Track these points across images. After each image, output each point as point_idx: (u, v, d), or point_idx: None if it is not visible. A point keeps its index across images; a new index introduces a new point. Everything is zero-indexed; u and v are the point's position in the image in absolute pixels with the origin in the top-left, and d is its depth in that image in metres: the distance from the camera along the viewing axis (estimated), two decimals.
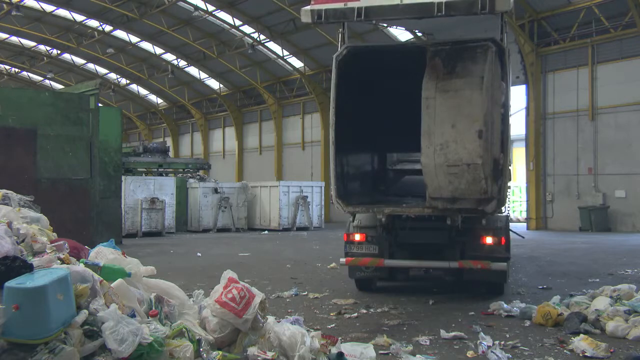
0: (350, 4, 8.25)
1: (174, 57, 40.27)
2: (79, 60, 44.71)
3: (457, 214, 8.54)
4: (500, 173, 8.39)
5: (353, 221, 9.49)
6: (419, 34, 26.94)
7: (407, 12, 8.30)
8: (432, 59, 8.46)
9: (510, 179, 9.40)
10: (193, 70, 41.85)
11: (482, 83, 8.05)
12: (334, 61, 9.07)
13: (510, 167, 9.21)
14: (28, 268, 4.00)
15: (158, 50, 39.92)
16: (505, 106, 8.74)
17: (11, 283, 3.80)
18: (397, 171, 12.53)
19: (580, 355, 6.03)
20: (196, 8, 32.40)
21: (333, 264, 12.91)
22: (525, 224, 27.23)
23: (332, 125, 9.22)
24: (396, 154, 12.61)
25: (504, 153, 8.55)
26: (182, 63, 40.87)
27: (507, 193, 9.12)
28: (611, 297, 7.57)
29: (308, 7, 8.52)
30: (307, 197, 27.03)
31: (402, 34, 27.88)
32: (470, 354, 6.10)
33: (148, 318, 4.29)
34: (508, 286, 9.89)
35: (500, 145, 8.48)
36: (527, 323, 7.51)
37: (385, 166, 12.51)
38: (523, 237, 14.74)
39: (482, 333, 6.69)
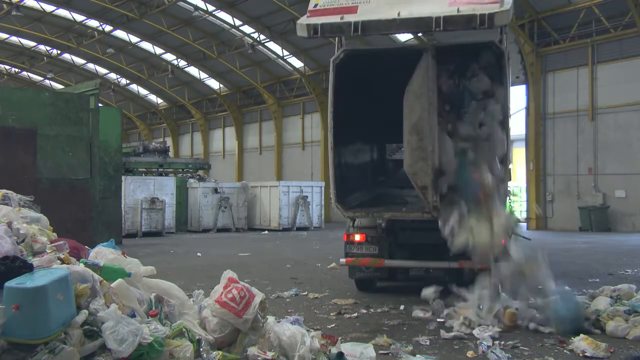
0: (346, 18, 8.02)
1: (174, 57, 40.26)
2: (79, 60, 44.69)
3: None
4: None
5: (353, 225, 9.49)
6: (419, 34, 26.91)
7: (404, 26, 8.16)
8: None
9: (510, 179, 9.35)
10: (193, 70, 41.84)
11: (406, 91, 8.11)
12: (331, 65, 8.99)
13: (510, 168, 9.18)
14: (28, 268, 3.99)
15: (158, 50, 39.92)
16: (505, 110, 8.69)
17: (11, 283, 3.79)
18: (397, 161, 12.48)
19: (580, 355, 6.02)
20: (196, 8, 32.39)
21: (333, 264, 12.91)
22: (525, 224, 27.21)
23: (331, 130, 9.18)
24: (395, 144, 12.53)
25: (505, 159, 8.51)
26: (182, 63, 40.86)
27: (508, 197, 9.07)
28: (611, 297, 7.58)
29: (304, 22, 8.27)
30: (307, 197, 27.03)
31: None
32: (470, 354, 6.10)
33: (148, 318, 4.28)
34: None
35: (503, 151, 8.48)
36: None
37: (385, 156, 12.45)
38: (529, 239, 14.62)
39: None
